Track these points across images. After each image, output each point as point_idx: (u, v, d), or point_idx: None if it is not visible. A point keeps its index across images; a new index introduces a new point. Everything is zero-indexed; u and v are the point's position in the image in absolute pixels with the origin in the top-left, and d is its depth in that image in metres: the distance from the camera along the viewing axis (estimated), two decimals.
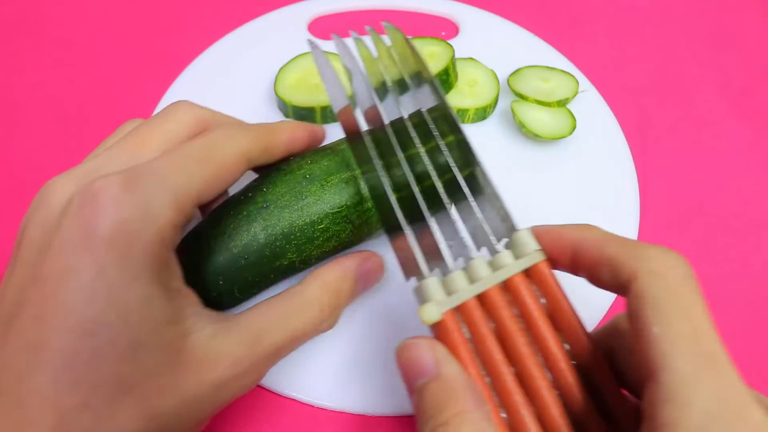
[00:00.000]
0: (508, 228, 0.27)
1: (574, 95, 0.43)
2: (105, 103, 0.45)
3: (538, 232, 0.26)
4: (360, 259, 0.31)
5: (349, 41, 0.43)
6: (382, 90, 0.32)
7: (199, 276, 0.30)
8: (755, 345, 0.35)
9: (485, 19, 0.50)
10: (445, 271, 0.26)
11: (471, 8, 0.50)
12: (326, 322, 0.29)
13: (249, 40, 0.48)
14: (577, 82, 0.43)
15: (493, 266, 0.25)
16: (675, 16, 0.52)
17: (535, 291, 0.25)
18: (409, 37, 0.45)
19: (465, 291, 0.24)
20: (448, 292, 0.25)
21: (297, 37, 0.48)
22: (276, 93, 0.42)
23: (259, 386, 0.33)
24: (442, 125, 0.30)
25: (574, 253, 0.25)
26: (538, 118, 0.41)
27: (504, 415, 0.23)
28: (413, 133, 0.30)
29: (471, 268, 0.25)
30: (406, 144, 0.30)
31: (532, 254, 0.25)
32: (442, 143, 0.29)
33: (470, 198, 0.28)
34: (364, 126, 0.30)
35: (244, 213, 0.30)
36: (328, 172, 0.32)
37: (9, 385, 0.21)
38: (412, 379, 0.24)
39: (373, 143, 0.29)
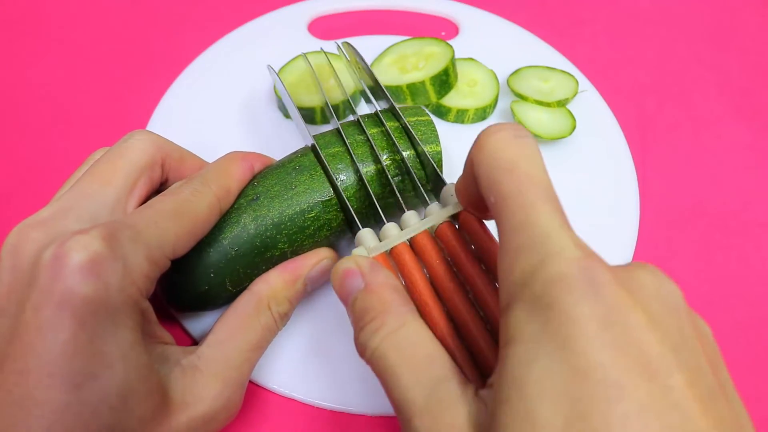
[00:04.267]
0: (439, 187, 0.30)
1: (574, 95, 0.43)
2: (105, 103, 0.45)
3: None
4: (310, 261, 0.31)
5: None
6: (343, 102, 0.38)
7: (190, 269, 0.30)
8: (755, 345, 0.35)
9: (485, 19, 0.50)
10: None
11: (471, 8, 0.50)
12: (280, 324, 0.30)
13: (249, 40, 0.48)
14: (577, 82, 0.43)
15: (424, 217, 0.28)
16: (675, 16, 0.52)
17: (467, 238, 0.27)
18: (409, 37, 0.45)
19: (395, 237, 0.27)
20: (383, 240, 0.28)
21: (297, 37, 0.48)
22: (276, 93, 0.42)
23: None
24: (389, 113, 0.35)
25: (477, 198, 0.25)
26: (537, 118, 0.41)
27: None
28: (366, 121, 0.35)
29: (403, 220, 0.28)
30: (360, 131, 0.34)
31: (457, 204, 0.28)
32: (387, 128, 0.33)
33: (402, 154, 0.33)
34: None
35: (235, 206, 0.31)
36: (317, 163, 0.32)
37: None
38: (348, 300, 0.25)
39: (337, 136, 0.34)
